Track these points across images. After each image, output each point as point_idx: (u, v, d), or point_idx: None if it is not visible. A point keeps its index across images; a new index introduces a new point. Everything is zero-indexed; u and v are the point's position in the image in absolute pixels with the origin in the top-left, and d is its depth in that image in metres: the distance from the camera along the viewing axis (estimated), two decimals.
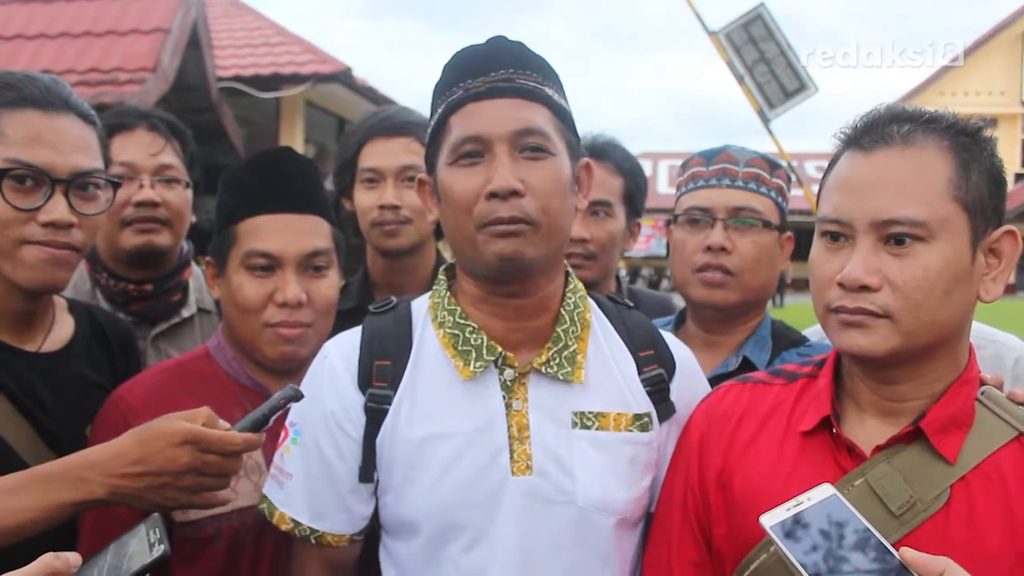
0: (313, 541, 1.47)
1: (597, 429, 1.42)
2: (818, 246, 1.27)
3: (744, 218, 1.82)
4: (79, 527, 1.54)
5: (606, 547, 1.42)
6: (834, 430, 1.27)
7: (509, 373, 1.42)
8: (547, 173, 1.37)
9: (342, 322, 1.74)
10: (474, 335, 1.42)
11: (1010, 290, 25.79)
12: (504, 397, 1.41)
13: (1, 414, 1.51)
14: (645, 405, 1.47)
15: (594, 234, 2.24)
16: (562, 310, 1.46)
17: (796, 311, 12.11)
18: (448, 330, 1.44)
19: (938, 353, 1.23)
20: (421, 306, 1.51)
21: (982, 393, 1.26)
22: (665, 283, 28.37)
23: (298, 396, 1.38)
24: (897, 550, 1.03)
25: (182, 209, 2.22)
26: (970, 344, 1.29)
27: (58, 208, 1.49)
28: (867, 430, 1.27)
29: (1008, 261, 1.25)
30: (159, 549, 1.10)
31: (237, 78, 10.85)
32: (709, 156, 1.90)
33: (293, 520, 1.47)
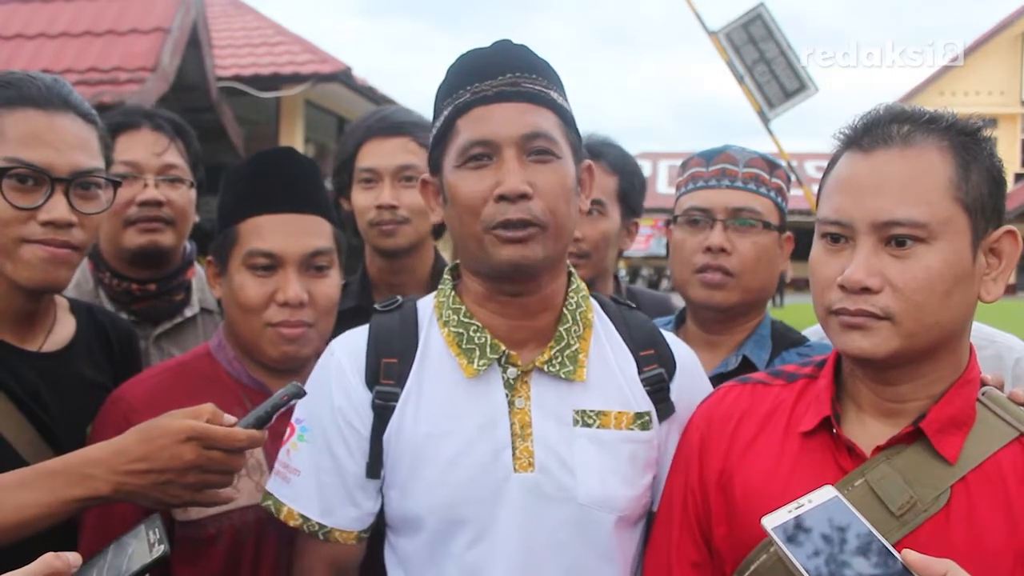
0: (321, 537, 1.48)
1: (598, 427, 1.44)
2: (818, 247, 1.27)
3: (744, 219, 1.83)
4: (80, 526, 1.54)
5: (606, 544, 1.43)
6: (834, 430, 1.27)
7: (512, 371, 1.44)
8: (554, 176, 1.39)
9: (342, 322, 1.75)
10: (478, 334, 1.44)
11: (1010, 290, 25.79)
12: (507, 395, 1.43)
13: (2, 413, 1.51)
14: (645, 404, 1.49)
15: (587, 233, 2.24)
16: (565, 309, 1.48)
17: (796, 311, 12.11)
18: (453, 329, 1.46)
19: (939, 354, 1.23)
20: (427, 305, 1.54)
21: (983, 394, 1.26)
22: (665, 283, 28.37)
23: (301, 393, 1.38)
24: (898, 551, 1.03)
25: (186, 209, 2.22)
26: (971, 345, 1.29)
27: (58, 207, 1.49)
28: (867, 430, 1.27)
29: (1008, 261, 1.25)
30: (159, 549, 1.10)
31: (237, 78, 10.84)
32: (709, 156, 1.90)
33: (302, 516, 1.48)
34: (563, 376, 1.44)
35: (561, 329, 1.47)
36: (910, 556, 1.02)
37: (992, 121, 28.86)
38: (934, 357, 1.23)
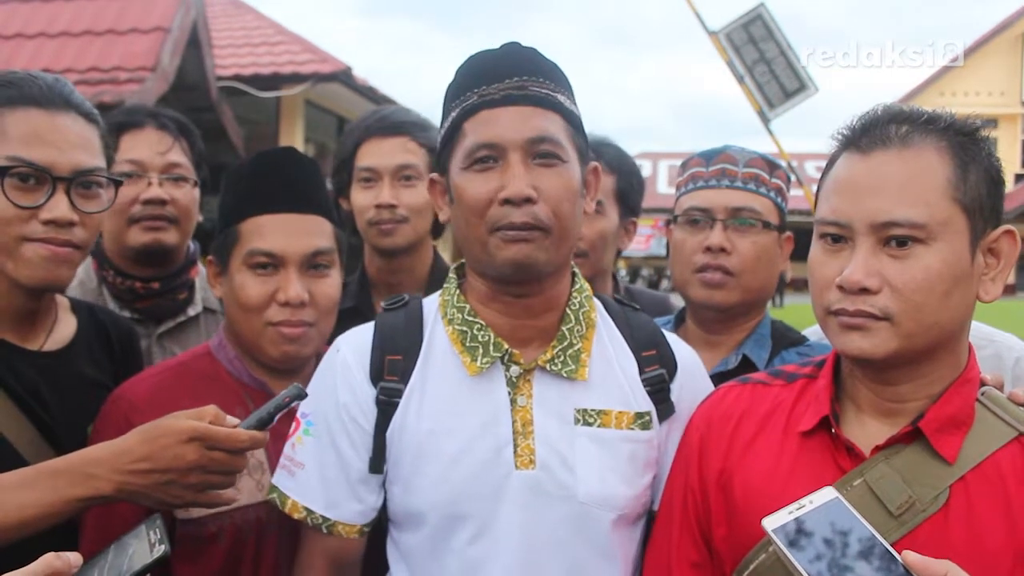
0: (325, 530, 1.49)
1: (599, 426, 1.45)
2: (817, 248, 1.27)
3: (744, 218, 1.83)
4: (80, 526, 1.55)
5: (605, 542, 1.44)
6: (833, 430, 1.27)
7: (515, 370, 1.46)
8: (559, 180, 1.40)
9: (341, 321, 1.76)
10: (482, 332, 1.46)
11: (1010, 290, 25.78)
12: (509, 393, 1.45)
13: (2, 412, 1.52)
14: (646, 404, 1.50)
15: (584, 232, 2.25)
16: (568, 309, 1.50)
17: (796, 311, 12.11)
18: (457, 327, 1.48)
19: (938, 354, 1.23)
20: (432, 303, 1.55)
21: (982, 394, 1.26)
22: (665, 283, 28.37)
23: (302, 395, 1.39)
24: (898, 552, 1.03)
25: (190, 207, 2.23)
26: (970, 344, 1.29)
27: (59, 206, 1.50)
28: (866, 430, 1.27)
29: (1007, 261, 1.25)
30: (159, 549, 1.11)
31: (237, 77, 10.83)
32: (708, 157, 1.90)
33: (306, 508, 1.49)
34: (565, 375, 1.46)
35: (564, 329, 1.48)
36: (910, 558, 1.02)
37: (992, 121, 28.86)
38: (933, 357, 1.23)
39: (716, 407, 1.43)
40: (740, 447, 1.36)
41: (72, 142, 1.53)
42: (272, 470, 1.60)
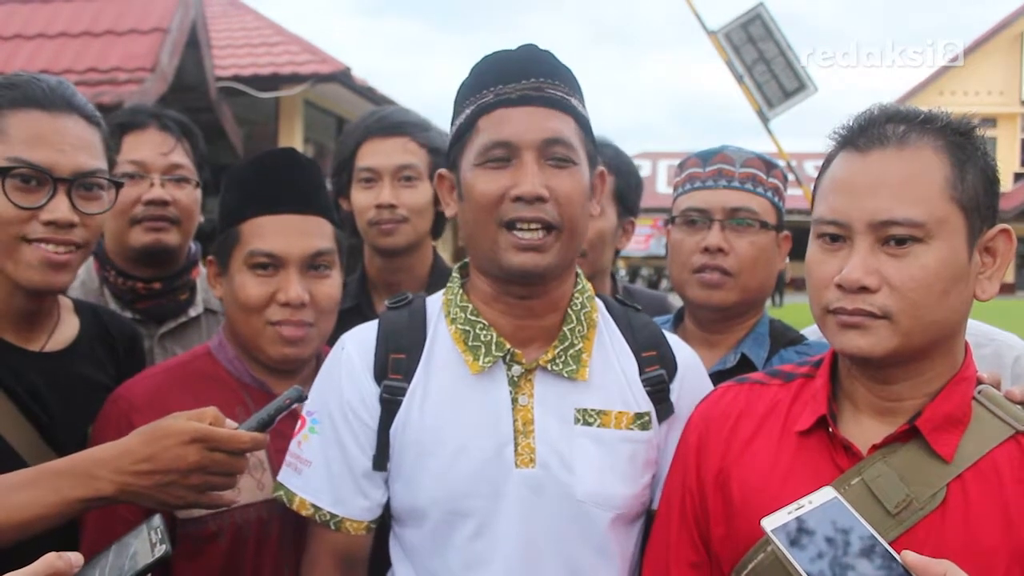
0: (333, 527, 1.50)
1: (599, 426, 1.47)
2: (814, 247, 1.27)
3: (741, 218, 1.83)
4: (81, 527, 1.55)
5: (603, 540, 1.46)
6: (830, 429, 1.28)
7: (517, 369, 1.47)
8: (570, 181, 1.42)
9: (341, 321, 1.77)
10: (484, 331, 1.47)
11: (1009, 289, 25.78)
12: (511, 392, 1.46)
13: (1, 412, 1.52)
14: (645, 404, 1.51)
15: None
16: (569, 310, 1.51)
17: (795, 310, 12.11)
18: (460, 326, 1.49)
19: (935, 353, 1.24)
20: (435, 302, 1.57)
21: (979, 392, 1.26)
22: (664, 283, 28.36)
23: (303, 397, 1.41)
24: (896, 552, 1.03)
25: (191, 208, 2.23)
26: (966, 343, 1.29)
27: (60, 208, 1.50)
28: (863, 429, 1.27)
29: (1003, 259, 1.25)
30: (161, 549, 1.11)
31: (236, 78, 10.83)
32: (706, 157, 1.91)
33: (313, 505, 1.51)
34: (566, 375, 1.47)
35: (565, 329, 1.49)
36: (909, 557, 1.02)
37: (991, 121, 28.84)
38: (930, 356, 1.24)
39: (714, 407, 1.43)
40: (738, 447, 1.36)
41: (73, 144, 1.53)
42: (272, 469, 1.61)
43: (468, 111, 1.45)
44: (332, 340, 1.74)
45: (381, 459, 1.48)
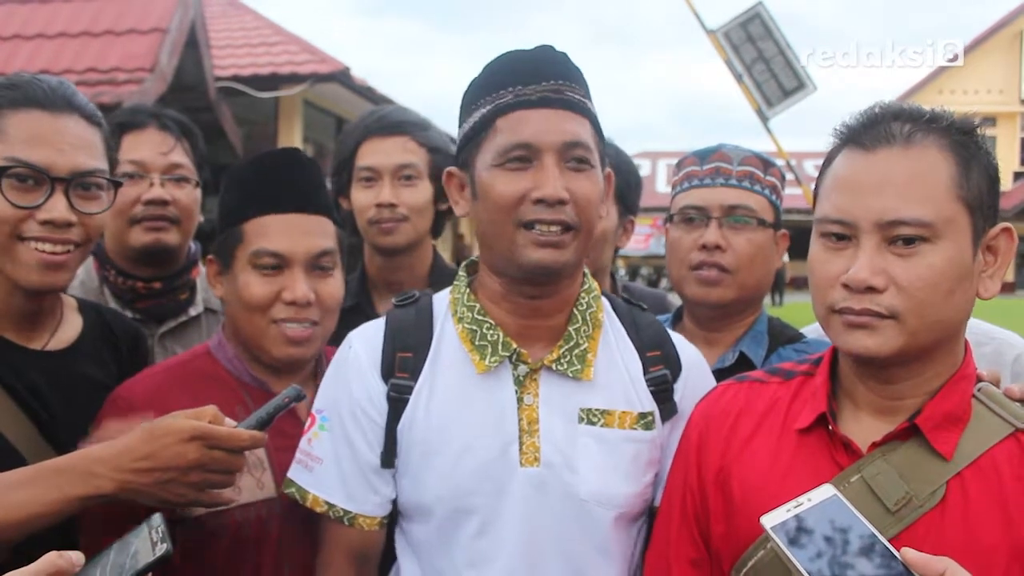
0: (347, 523, 1.51)
1: (602, 426, 1.47)
2: (818, 246, 1.27)
3: (739, 216, 1.84)
4: (81, 526, 1.55)
5: (605, 539, 1.47)
6: (830, 427, 1.28)
7: (522, 368, 1.48)
8: (589, 184, 1.43)
9: (341, 320, 1.77)
10: (491, 331, 1.48)
11: (1009, 288, 25.79)
12: (516, 391, 1.47)
13: (3, 411, 1.52)
14: (649, 404, 1.52)
15: None
16: (575, 310, 1.52)
17: (795, 310, 12.11)
18: (467, 325, 1.50)
19: (937, 351, 1.24)
20: (442, 300, 1.58)
21: (979, 390, 1.26)
22: (664, 282, 28.37)
23: (301, 396, 1.42)
24: (896, 549, 1.03)
25: (191, 208, 2.23)
26: (966, 341, 1.29)
27: (57, 207, 1.50)
28: (863, 427, 1.27)
29: (1004, 258, 1.25)
30: (162, 548, 1.11)
31: (235, 78, 10.83)
32: (703, 155, 1.91)
33: (327, 503, 1.52)
34: (571, 375, 1.48)
35: (571, 329, 1.50)
36: (909, 554, 1.02)
37: (991, 120, 28.84)
38: (932, 355, 1.24)
39: (714, 405, 1.44)
40: (738, 445, 1.36)
41: (72, 143, 1.53)
42: (273, 469, 1.61)
43: (484, 110, 1.45)
44: (332, 339, 1.75)
45: (389, 456, 1.49)
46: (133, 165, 2.14)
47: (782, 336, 1.89)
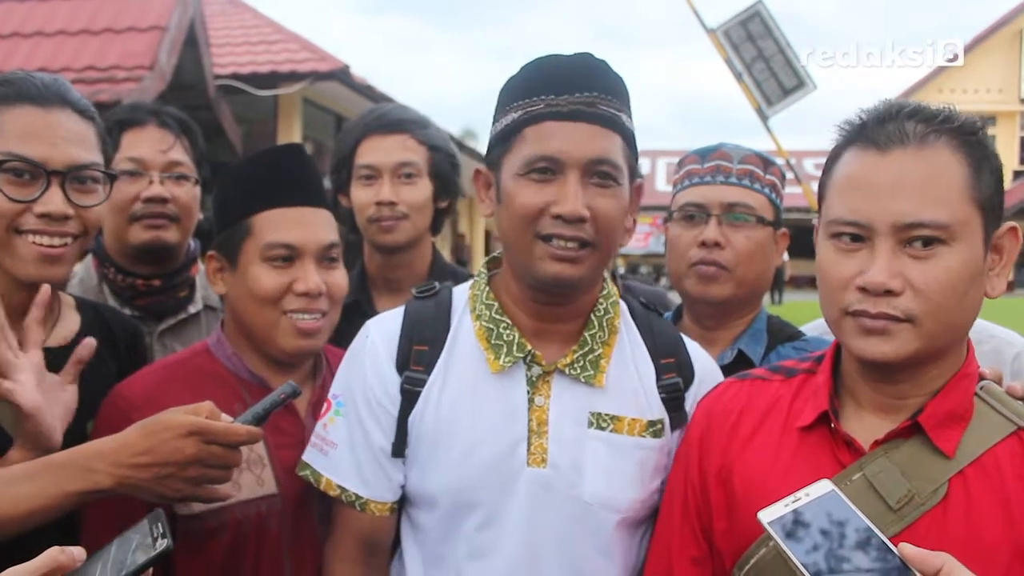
0: (359, 508, 1.53)
1: (611, 431, 1.48)
2: (828, 247, 1.25)
3: (738, 214, 1.85)
4: (82, 521, 1.55)
5: (608, 542, 1.47)
6: (832, 425, 1.28)
7: (536, 370, 1.49)
8: (613, 202, 1.43)
9: (343, 316, 1.77)
10: (508, 331, 1.49)
11: (1009, 287, 25.77)
12: (528, 392, 1.48)
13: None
14: (659, 412, 1.52)
15: None
16: (592, 315, 1.53)
17: (795, 308, 12.12)
18: (484, 323, 1.51)
19: (945, 352, 1.24)
20: (462, 294, 1.59)
21: (981, 388, 1.26)
22: (663, 281, 28.38)
23: (297, 392, 1.43)
24: (895, 545, 1.03)
25: (191, 205, 2.23)
26: (968, 339, 1.29)
27: (54, 200, 1.51)
28: (865, 425, 1.27)
29: (1009, 257, 1.25)
30: (162, 544, 1.11)
31: (235, 76, 10.82)
32: (704, 153, 1.92)
33: (340, 487, 1.53)
34: (583, 380, 1.49)
35: (587, 334, 1.51)
36: (907, 550, 1.02)
37: (991, 119, 28.85)
38: (940, 355, 1.23)
39: (716, 403, 1.44)
40: (740, 442, 1.36)
41: (67, 137, 1.54)
42: (272, 465, 1.62)
43: (515, 115, 1.44)
44: (331, 337, 1.76)
45: (400, 446, 1.51)
46: (132, 162, 2.14)
47: (781, 334, 1.90)
